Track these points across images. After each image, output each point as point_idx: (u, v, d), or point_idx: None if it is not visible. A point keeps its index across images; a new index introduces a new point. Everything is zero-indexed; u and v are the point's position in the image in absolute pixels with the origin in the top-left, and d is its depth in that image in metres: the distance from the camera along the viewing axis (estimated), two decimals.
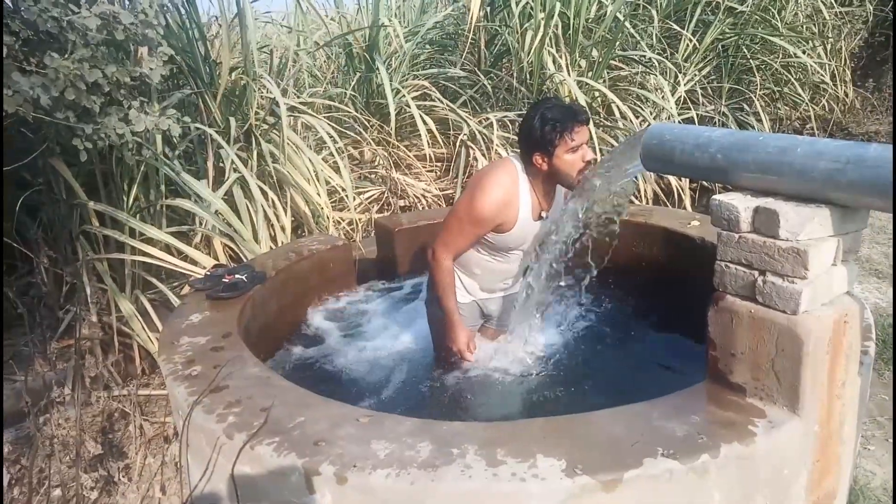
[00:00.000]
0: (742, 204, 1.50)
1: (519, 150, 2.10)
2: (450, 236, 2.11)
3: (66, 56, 1.99)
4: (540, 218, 2.14)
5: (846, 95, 5.53)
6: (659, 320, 2.65)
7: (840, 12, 5.68)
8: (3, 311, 2.73)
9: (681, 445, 1.40)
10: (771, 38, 5.31)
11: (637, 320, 2.65)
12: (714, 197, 1.55)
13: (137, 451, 2.23)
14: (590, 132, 1.96)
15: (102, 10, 2.03)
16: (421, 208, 4.43)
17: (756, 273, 1.49)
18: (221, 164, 3.62)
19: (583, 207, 2.01)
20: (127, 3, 2.70)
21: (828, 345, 1.46)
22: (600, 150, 4.34)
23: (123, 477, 2.12)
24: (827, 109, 5.76)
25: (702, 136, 1.63)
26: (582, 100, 4.35)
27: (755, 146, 1.52)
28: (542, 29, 4.51)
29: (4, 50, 1.94)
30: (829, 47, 5.64)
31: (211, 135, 3.52)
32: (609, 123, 4.73)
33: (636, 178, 2.14)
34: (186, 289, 3.28)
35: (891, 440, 2.39)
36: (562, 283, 2.22)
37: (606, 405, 1.61)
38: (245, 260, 3.25)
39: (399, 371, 2.41)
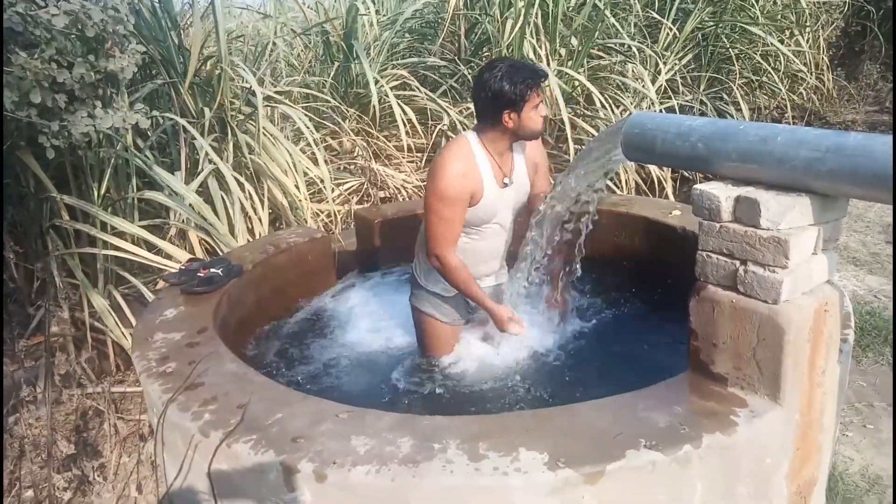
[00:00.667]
0: (723, 193, 1.49)
1: (477, 118, 2.12)
2: (437, 231, 2.07)
3: (35, 55, 1.92)
4: (504, 185, 2.14)
5: (823, 84, 5.58)
6: (642, 310, 2.65)
7: (817, 2, 5.71)
8: (3, 305, 2.65)
9: (663, 436, 1.40)
10: (749, 27, 5.33)
11: (620, 311, 2.65)
12: (695, 186, 1.54)
13: (112, 449, 2.18)
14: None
15: (71, 8, 1.95)
16: (401, 199, 4.39)
17: (737, 263, 1.49)
18: (196, 156, 3.54)
19: (564, 194, 1.99)
20: None
21: (808, 333, 1.46)
22: (582, 140, 4.33)
23: (98, 476, 2.07)
24: (805, 98, 5.81)
25: (683, 125, 1.61)
26: (557, 91, 4.32)
27: (736, 135, 1.51)
28: (521, 18, 4.47)
29: None
30: (806, 37, 5.68)
31: (183, 125, 3.45)
32: (590, 113, 4.72)
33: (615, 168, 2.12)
34: (161, 283, 3.23)
35: (869, 426, 2.42)
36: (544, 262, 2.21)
37: (591, 396, 1.60)
38: (221, 253, 3.19)
39: (380, 365, 2.38)
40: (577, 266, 2.21)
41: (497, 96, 1.99)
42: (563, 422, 1.49)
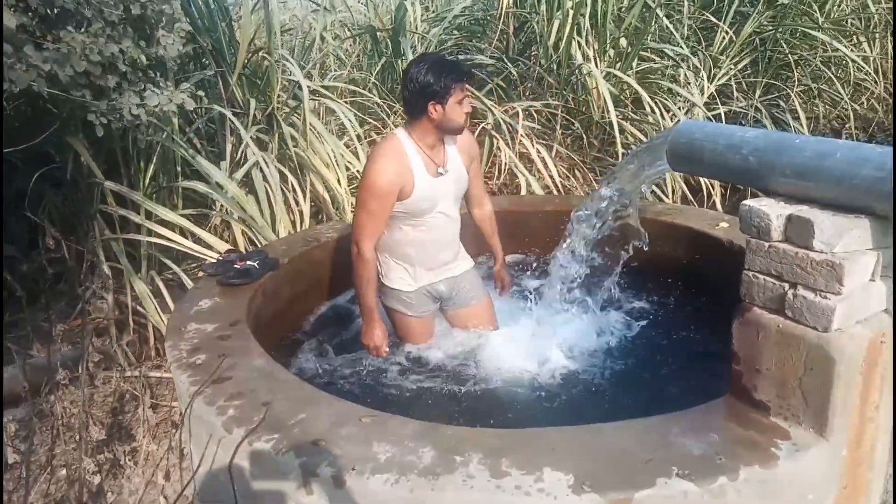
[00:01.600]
0: (774, 211, 1.41)
1: (406, 113, 2.23)
2: (362, 222, 2.17)
3: (83, 30, 1.95)
4: (438, 175, 2.22)
5: (890, 94, 5.30)
6: (679, 324, 2.55)
7: (886, 8, 5.42)
8: (2, 297, 2.74)
9: (697, 465, 1.33)
10: (812, 31, 5.09)
11: (657, 323, 2.56)
12: (744, 202, 1.46)
13: (145, 434, 2.21)
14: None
15: None
16: None
17: (786, 285, 1.40)
18: (243, 146, 3.58)
19: (605, 202, 1.93)
20: None
21: (862, 365, 1.36)
22: (630, 144, 4.22)
23: (129, 460, 2.11)
24: (867, 108, 5.53)
25: (734, 137, 1.53)
26: (606, 94, 4.22)
27: (791, 149, 1.42)
28: (570, 18, 4.37)
29: (20, 25, 1.90)
30: (876, 44, 5.40)
31: (228, 117, 3.49)
32: (637, 117, 4.59)
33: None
34: (202, 272, 3.28)
35: None
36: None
37: (619, 414, 1.54)
38: (260, 245, 3.22)
39: (410, 367, 2.35)
40: (616, 277, 2.15)
41: (423, 89, 2.08)
42: (591, 442, 1.43)
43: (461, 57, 5.16)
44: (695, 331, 2.50)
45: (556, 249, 2.20)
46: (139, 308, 2.92)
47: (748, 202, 1.45)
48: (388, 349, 2.28)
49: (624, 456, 1.37)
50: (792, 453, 1.36)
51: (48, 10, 2.14)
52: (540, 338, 2.36)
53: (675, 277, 2.71)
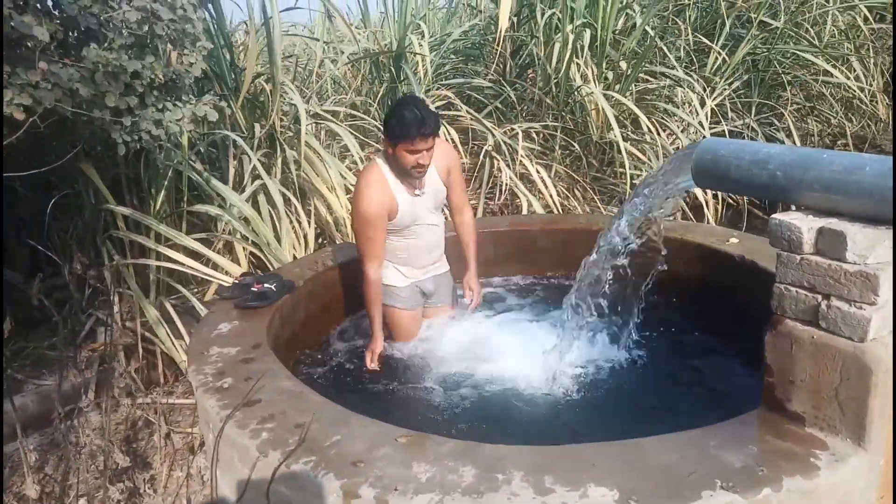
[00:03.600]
0: (805, 224, 1.43)
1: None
2: (365, 250, 2.38)
3: (105, 47, 1.96)
4: (415, 195, 2.42)
5: (882, 111, 5.43)
6: (696, 340, 2.57)
7: (875, 28, 5.58)
8: (2, 312, 2.70)
9: (740, 478, 1.33)
10: (804, 54, 5.22)
11: (674, 340, 2.58)
12: (773, 216, 1.49)
13: (162, 461, 2.18)
14: (435, 139, 2.32)
15: (142, 4, 2.01)
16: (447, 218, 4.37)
17: (819, 297, 1.42)
18: (244, 171, 3.59)
19: (630, 222, 1.95)
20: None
21: None
22: (628, 164, 4.27)
23: (149, 489, 2.07)
24: (857, 125, 5.66)
25: (760, 153, 1.56)
26: (609, 113, 4.29)
27: (818, 164, 1.45)
28: (570, 43, 4.45)
29: (41, 43, 1.90)
30: (865, 63, 5.55)
31: (234, 140, 3.50)
32: (636, 137, 4.67)
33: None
34: (209, 294, 3.26)
35: None
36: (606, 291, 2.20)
37: (651, 429, 1.55)
38: (270, 267, 3.22)
39: (427, 385, 2.35)
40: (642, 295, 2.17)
41: (386, 122, 2.32)
42: (631, 456, 1.44)
43: (461, 80, 5.22)
44: (709, 346, 2.52)
45: (581, 267, 2.21)
46: (146, 334, 2.90)
47: (777, 216, 1.47)
48: (377, 364, 2.44)
49: (666, 470, 1.38)
50: (832, 463, 1.37)
51: (70, 34, 2.16)
52: (558, 354, 2.36)
53: (687, 294, 2.73)
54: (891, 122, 5.26)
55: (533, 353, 2.37)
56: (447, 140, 4.11)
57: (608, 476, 1.37)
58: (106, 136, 2.22)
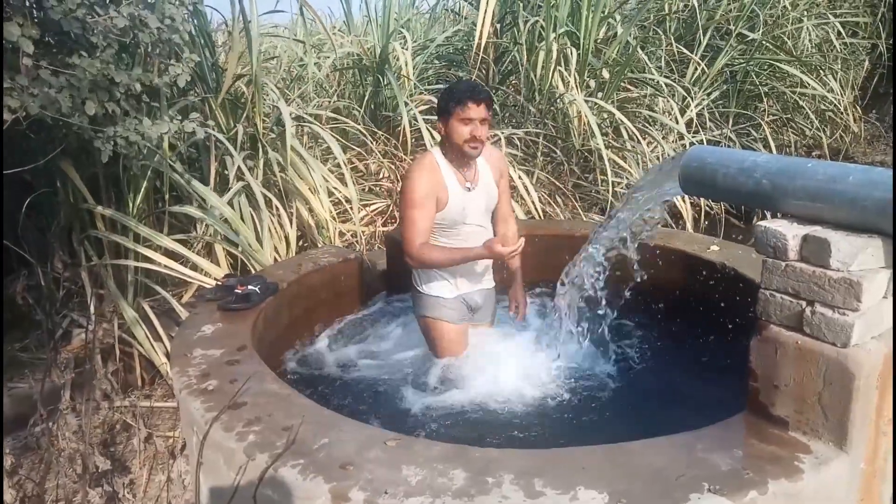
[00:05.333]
0: (790, 231, 1.46)
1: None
2: (410, 234, 2.24)
3: (94, 57, 1.93)
4: (468, 189, 2.33)
5: (854, 122, 5.58)
6: (676, 346, 2.61)
7: (847, 43, 5.74)
8: (3, 316, 2.65)
9: (727, 480, 1.35)
10: (782, 65, 5.34)
11: (655, 346, 2.61)
12: (759, 223, 1.52)
13: (142, 465, 2.14)
14: (490, 111, 2.26)
15: (130, 11, 1.98)
16: None
17: (804, 303, 1.45)
18: (225, 172, 3.56)
19: (618, 228, 1.97)
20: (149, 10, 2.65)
21: (877, 379, 1.42)
22: (610, 171, 4.32)
23: (128, 493, 2.03)
24: (829, 136, 5.81)
25: (746, 161, 1.59)
26: (591, 120, 4.33)
27: (804, 173, 1.49)
28: (554, 52, 4.49)
29: (24, 51, 1.87)
30: (838, 76, 5.70)
31: (217, 141, 3.46)
32: (618, 144, 4.72)
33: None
34: (188, 296, 3.22)
35: None
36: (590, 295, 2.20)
37: (639, 433, 1.56)
38: (250, 268, 3.19)
39: (414, 388, 2.34)
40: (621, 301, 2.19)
41: (438, 106, 2.29)
42: (620, 459, 1.45)
43: (445, 85, 5.24)
44: (693, 351, 2.55)
45: (564, 273, 2.22)
46: (123, 336, 2.85)
47: (763, 223, 1.50)
48: (502, 245, 2.16)
49: (654, 473, 1.39)
50: (815, 466, 1.40)
51: (53, 37, 2.12)
52: (543, 360, 2.38)
53: (670, 300, 2.77)
54: (892, 125, 5.38)
55: (519, 359, 2.38)
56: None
57: (598, 479, 1.37)
58: (85, 142, 2.18)
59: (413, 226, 2.23)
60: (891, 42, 6.38)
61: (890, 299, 1.46)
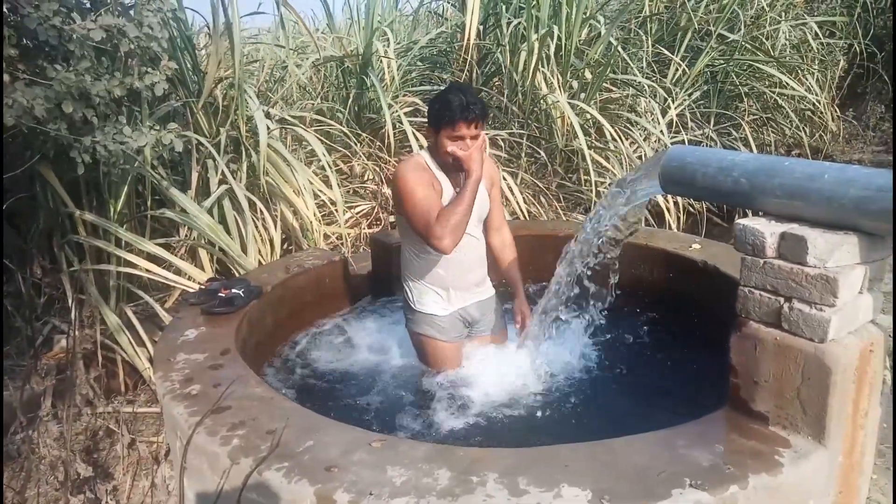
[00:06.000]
0: (768, 229, 1.48)
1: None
2: (423, 212, 2.10)
3: (70, 68, 1.91)
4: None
5: (832, 121, 5.67)
6: (659, 344, 2.63)
7: (825, 43, 5.82)
8: (3, 321, 2.61)
9: (708, 476, 1.37)
10: (762, 66, 5.40)
11: (639, 343, 2.63)
12: (738, 221, 1.54)
13: (125, 471, 2.12)
14: (484, 124, 2.19)
15: (107, 23, 1.96)
16: None
17: (782, 300, 1.48)
18: (208, 176, 3.53)
19: (596, 226, 1.99)
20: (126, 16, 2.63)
21: (854, 374, 1.44)
22: (593, 171, 4.34)
23: (111, 500, 2.01)
24: (808, 135, 5.89)
25: (725, 160, 1.61)
26: (574, 121, 4.36)
27: (781, 171, 1.51)
28: (536, 52, 4.52)
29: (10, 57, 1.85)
30: (815, 76, 5.78)
31: (200, 146, 3.44)
32: (600, 145, 4.75)
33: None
34: (171, 301, 3.19)
35: (891, 468, 2.39)
36: (571, 297, 2.21)
37: (621, 430, 1.57)
38: (234, 272, 3.17)
39: (399, 391, 2.34)
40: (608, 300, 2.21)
41: (429, 110, 2.20)
42: (603, 457, 1.46)
43: (428, 87, 5.25)
44: (674, 348, 2.57)
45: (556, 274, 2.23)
46: (106, 341, 2.82)
47: (742, 221, 1.52)
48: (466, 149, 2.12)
49: (637, 469, 1.40)
50: (795, 460, 1.42)
51: (28, 43, 2.09)
52: (526, 359, 2.38)
53: (652, 298, 2.80)
54: (892, 126, 5.45)
55: (503, 359, 2.39)
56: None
57: (581, 476, 1.39)
58: (64, 148, 2.15)
59: (423, 208, 2.09)
60: (867, 42, 6.49)
61: (866, 294, 1.49)
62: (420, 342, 2.37)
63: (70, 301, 2.81)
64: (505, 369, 2.33)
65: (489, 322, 2.47)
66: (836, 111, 6.20)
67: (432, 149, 2.26)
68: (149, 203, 3.20)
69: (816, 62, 5.89)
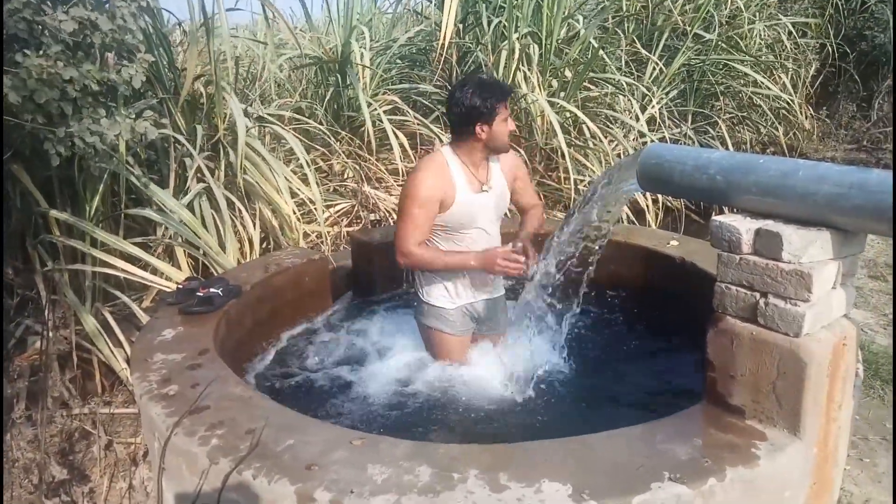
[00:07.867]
0: (743, 226, 1.51)
1: (452, 133, 2.26)
2: (406, 231, 2.17)
3: (40, 54, 1.88)
4: (482, 191, 2.26)
5: (806, 120, 5.77)
6: (638, 339, 2.66)
7: (798, 43, 5.92)
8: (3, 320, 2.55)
9: (687, 469, 1.39)
10: (737, 65, 5.48)
11: (618, 340, 2.65)
12: (714, 218, 1.56)
13: (102, 473, 2.09)
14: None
15: (80, 15, 1.93)
16: (392, 222, 4.37)
17: (757, 295, 1.50)
18: (185, 174, 3.49)
19: (581, 223, 2.00)
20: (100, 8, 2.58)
21: (828, 367, 1.47)
22: (572, 169, 4.37)
23: (88, 502, 1.98)
24: (783, 134, 5.99)
25: (701, 158, 1.63)
26: (554, 120, 4.38)
27: (756, 169, 1.53)
28: (516, 52, 4.53)
29: None
30: (789, 75, 5.88)
31: (177, 143, 3.40)
32: (580, 143, 4.78)
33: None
34: (148, 301, 3.15)
35: (865, 460, 2.44)
36: (554, 295, 2.22)
37: (601, 426, 1.59)
38: (213, 271, 3.13)
39: (380, 390, 2.33)
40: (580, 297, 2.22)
41: (470, 111, 2.14)
42: (583, 452, 1.47)
43: (407, 85, 5.24)
44: (653, 344, 2.60)
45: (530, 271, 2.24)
46: (82, 342, 2.78)
47: (718, 218, 1.54)
48: (511, 256, 2.15)
49: (616, 464, 1.42)
50: (771, 453, 1.44)
51: None
52: (509, 356, 2.39)
53: (631, 294, 2.82)
54: (892, 126, 5.54)
55: (483, 356, 2.40)
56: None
57: (561, 472, 1.39)
58: (37, 144, 2.11)
59: (412, 222, 2.15)
60: (839, 41, 6.61)
61: (840, 289, 1.52)
62: (427, 334, 2.40)
63: (44, 301, 2.76)
64: (494, 370, 2.34)
65: (497, 322, 2.48)
66: (809, 109, 6.31)
67: (465, 148, 2.21)
68: (124, 202, 3.15)
69: (790, 61, 5.99)
